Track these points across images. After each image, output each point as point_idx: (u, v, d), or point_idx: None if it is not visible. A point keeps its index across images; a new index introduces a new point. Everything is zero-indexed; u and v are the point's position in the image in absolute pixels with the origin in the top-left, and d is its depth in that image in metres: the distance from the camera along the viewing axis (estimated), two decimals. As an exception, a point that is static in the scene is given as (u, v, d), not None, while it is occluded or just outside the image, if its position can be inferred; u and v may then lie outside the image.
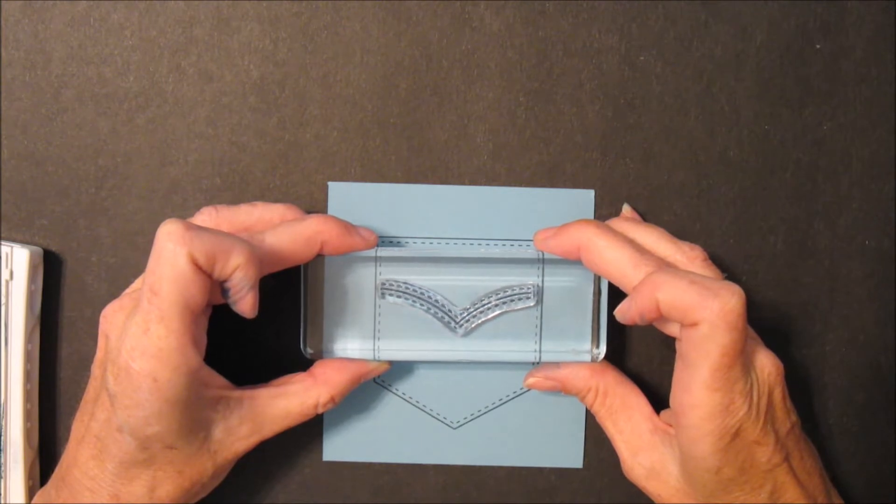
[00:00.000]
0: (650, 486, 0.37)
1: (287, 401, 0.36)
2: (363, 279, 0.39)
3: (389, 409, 0.41)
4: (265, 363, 0.40)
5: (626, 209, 0.40)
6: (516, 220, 0.40)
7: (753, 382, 0.33)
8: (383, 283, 0.39)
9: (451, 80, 0.40)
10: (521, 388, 0.41)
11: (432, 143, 0.40)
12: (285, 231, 0.35)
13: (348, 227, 0.36)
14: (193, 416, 0.34)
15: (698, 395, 0.32)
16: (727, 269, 0.40)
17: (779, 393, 0.34)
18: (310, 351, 0.39)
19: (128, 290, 0.37)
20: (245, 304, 0.33)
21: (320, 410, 0.37)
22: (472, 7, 0.39)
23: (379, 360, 0.39)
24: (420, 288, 0.39)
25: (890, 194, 0.41)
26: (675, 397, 0.34)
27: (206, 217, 0.37)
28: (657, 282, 0.33)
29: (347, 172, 0.40)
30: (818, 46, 0.40)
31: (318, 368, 0.38)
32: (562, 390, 0.39)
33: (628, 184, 0.40)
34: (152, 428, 0.33)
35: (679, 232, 0.40)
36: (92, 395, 0.35)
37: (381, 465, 0.42)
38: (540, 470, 0.42)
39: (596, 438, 0.41)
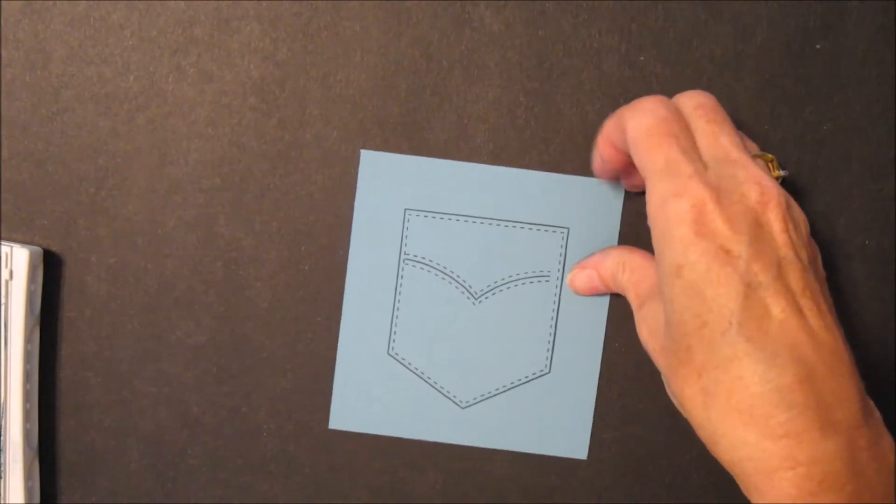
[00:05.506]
0: (650, 344, 0.36)
1: None
2: (388, 249, 0.40)
3: (401, 383, 0.41)
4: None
5: None
6: (544, 204, 0.40)
7: (713, 171, 0.32)
8: (407, 254, 0.40)
9: (451, 80, 0.40)
10: (534, 373, 0.41)
11: (432, 143, 0.40)
12: None
13: None
14: None
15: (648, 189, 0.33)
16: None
17: (776, 214, 0.32)
18: None
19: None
20: None
21: None
22: (472, 7, 0.39)
23: None
24: (442, 262, 0.40)
25: (890, 194, 0.41)
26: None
27: None
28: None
29: (347, 172, 0.40)
30: (818, 46, 0.40)
31: None
32: (597, 276, 0.39)
33: (628, 184, 0.40)
34: None
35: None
36: None
37: (381, 464, 0.42)
38: (540, 470, 0.42)
39: (602, 435, 0.41)
